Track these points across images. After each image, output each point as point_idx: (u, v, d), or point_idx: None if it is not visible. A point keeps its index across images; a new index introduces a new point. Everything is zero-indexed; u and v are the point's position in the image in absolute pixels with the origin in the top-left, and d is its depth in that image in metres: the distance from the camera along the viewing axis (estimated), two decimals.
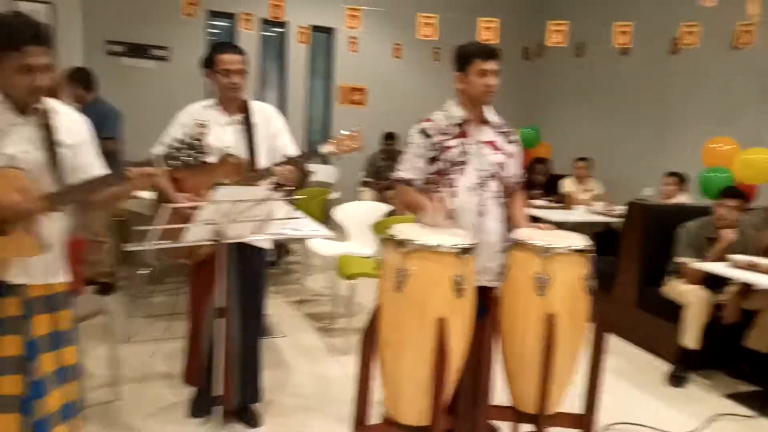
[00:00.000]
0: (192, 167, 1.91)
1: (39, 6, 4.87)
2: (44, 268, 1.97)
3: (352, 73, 7.45)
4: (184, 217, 2.04)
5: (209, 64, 2.56)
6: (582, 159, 5.93)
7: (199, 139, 1.92)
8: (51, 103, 1.97)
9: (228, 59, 2.52)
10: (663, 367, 3.71)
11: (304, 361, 3.51)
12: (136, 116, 5.18)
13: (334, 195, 5.65)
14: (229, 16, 6.93)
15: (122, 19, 6.36)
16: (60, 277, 2.04)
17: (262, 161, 2.60)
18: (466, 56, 2.42)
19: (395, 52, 7.02)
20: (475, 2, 7.33)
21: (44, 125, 1.92)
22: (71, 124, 2.01)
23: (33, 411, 1.98)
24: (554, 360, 2.21)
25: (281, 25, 7.09)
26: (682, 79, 6.03)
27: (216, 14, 6.91)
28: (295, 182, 2.47)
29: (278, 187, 2.35)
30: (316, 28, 7.15)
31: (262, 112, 2.68)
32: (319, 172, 6.87)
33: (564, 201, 5.62)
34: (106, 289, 4.30)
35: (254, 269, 2.68)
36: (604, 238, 5.54)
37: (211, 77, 2.58)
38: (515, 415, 2.40)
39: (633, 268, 4.15)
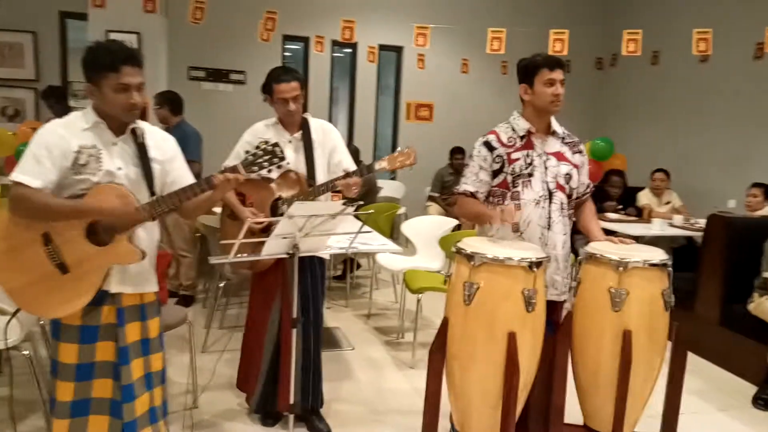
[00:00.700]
0: (267, 175, 2.03)
1: (129, 36, 5.22)
2: (136, 279, 2.12)
3: (419, 89, 7.51)
4: (253, 231, 2.16)
5: (268, 91, 2.71)
6: (659, 170, 5.71)
7: (276, 145, 2.04)
8: (142, 123, 2.14)
9: (284, 88, 2.65)
10: (749, 389, 3.49)
11: (372, 374, 3.55)
12: (214, 137, 5.43)
13: (401, 211, 5.70)
14: (302, 39, 7.18)
15: (203, 46, 6.72)
16: (150, 287, 2.18)
17: (321, 176, 2.70)
18: (533, 67, 2.40)
19: (462, 67, 7.04)
20: (545, 14, 7.28)
21: (138, 143, 2.09)
22: (161, 141, 2.18)
23: (122, 414, 2.12)
24: (631, 378, 2.14)
25: (351, 45, 7.27)
26: (766, 85, 5.71)
27: (289, 38, 7.17)
28: (357, 195, 2.54)
29: (347, 201, 2.43)
30: (385, 47, 7.29)
31: (321, 129, 2.79)
32: (387, 188, 6.97)
33: (641, 214, 5.42)
34: (186, 301, 4.54)
35: (315, 279, 2.77)
36: (684, 253, 5.30)
37: (270, 103, 2.73)
38: None
39: (715, 284, 3.95)
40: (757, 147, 5.78)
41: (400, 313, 4.35)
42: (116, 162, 2.05)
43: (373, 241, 3.74)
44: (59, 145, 1.96)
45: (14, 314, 2.20)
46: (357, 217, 2.80)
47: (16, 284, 1.97)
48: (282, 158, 2.08)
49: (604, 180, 5.77)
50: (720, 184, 6.02)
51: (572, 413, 2.37)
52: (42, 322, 2.87)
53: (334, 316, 4.55)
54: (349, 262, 5.39)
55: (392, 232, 4.78)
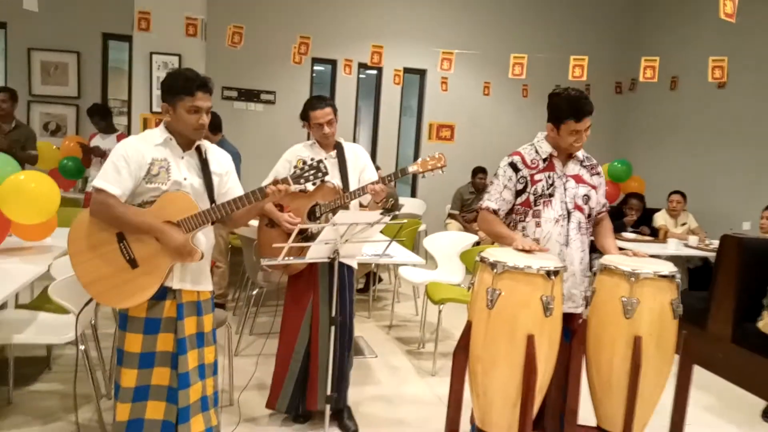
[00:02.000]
0: (310, 187, 2.28)
1: (170, 57, 5.56)
2: (194, 277, 2.38)
3: (441, 110, 7.76)
4: (287, 236, 2.42)
5: (305, 117, 3.02)
6: (676, 192, 5.86)
7: (321, 161, 2.29)
8: (204, 141, 2.42)
9: (319, 114, 2.94)
10: (760, 404, 3.61)
11: (394, 380, 3.73)
12: (244, 154, 5.73)
13: (421, 227, 5.91)
14: (329, 62, 7.49)
15: (237, 67, 7.06)
16: (206, 286, 2.44)
17: (353, 188, 2.97)
18: (560, 114, 2.55)
19: (484, 90, 7.29)
20: (566, 40, 7.50)
21: (201, 158, 2.37)
22: (220, 157, 2.48)
23: (178, 400, 2.35)
24: (641, 382, 2.31)
25: (377, 67, 7.55)
26: None
27: (318, 60, 7.48)
28: (386, 202, 2.79)
29: (384, 212, 2.66)
30: (409, 70, 7.57)
31: (352, 150, 3.10)
32: (408, 205, 7.19)
33: (657, 235, 5.57)
34: (219, 308, 4.77)
35: (344, 286, 2.99)
36: (700, 273, 5.43)
37: (308, 128, 3.04)
38: None
39: (727, 302, 4.07)
40: None
41: (422, 324, 4.53)
42: (183, 173, 2.32)
43: (397, 253, 3.95)
44: (136, 158, 2.25)
45: (84, 307, 2.43)
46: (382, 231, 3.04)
47: (93, 277, 2.23)
48: (326, 173, 2.35)
49: (623, 202, 5.92)
50: (735, 206, 6.14)
51: (586, 415, 2.53)
52: (93, 322, 3.11)
53: (358, 327, 4.73)
54: (371, 276, 5.60)
55: (413, 248, 4.97)
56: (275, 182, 2.30)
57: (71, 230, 2.25)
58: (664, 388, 2.39)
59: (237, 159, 4.78)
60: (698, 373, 4.10)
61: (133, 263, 2.24)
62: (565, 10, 7.98)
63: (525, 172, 2.63)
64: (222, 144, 4.75)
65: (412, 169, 2.84)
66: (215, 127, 4.84)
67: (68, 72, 6.75)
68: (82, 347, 2.81)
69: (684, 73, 6.90)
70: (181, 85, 2.23)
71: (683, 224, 5.78)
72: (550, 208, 2.60)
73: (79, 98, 6.80)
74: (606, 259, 2.49)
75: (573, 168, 2.67)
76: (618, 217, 5.74)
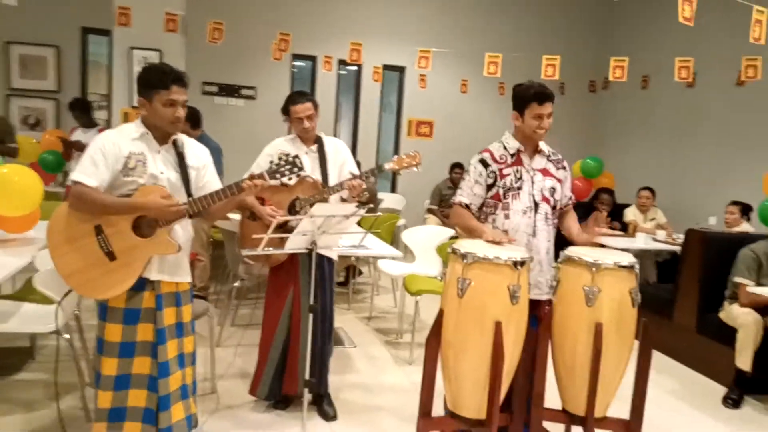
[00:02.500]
0: (288, 181, 2.38)
1: (151, 52, 5.59)
2: (173, 269, 2.44)
3: (420, 107, 7.88)
4: (266, 227, 2.52)
5: (286, 111, 3.10)
6: (645, 188, 6.05)
7: (297, 157, 2.38)
8: (181, 135, 2.47)
9: (300, 109, 3.03)
10: (721, 390, 3.80)
11: (373, 369, 3.85)
12: (225, 149, 5.79)
13: (400, 222, 6.02)
14: (310, 58, 7.56)
15: (217, 62, 7.08)
16: (185, 277, 2.51)
17: (333, 182, 3.07)
18: (524, 99, 2.70)
19: (462, 87, 7.42)
20: (541, 40, 7.66)
21: (178, 152, 2.43)
22: (196, 150, 2.53)
23: (158, 388, 2.42)
24: (602, 366, 2.45)
25: (357, 64, 7.64)
26: (747, 110, 6.08)
27: (298, 57, 7.55)
28: (362, 196, 2.91)
29: (359, 205, 2.77)
30: (388, 67, 7.68)
31: (332, 144, 3.19)
32: (388, 200, 7.30)
33: (626, 229, 5.76)
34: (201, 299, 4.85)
35: (325, 276, 3.10)
36: (668, 266, 5.62)
37: (289, 122, 3.13)
38: (566, 417, 2.64)
39: (692, 294, 4.27)
40: (735, 167, 6.13)
41: (399, 315, 4.66)
42: (159, 167, 2.38)
43: (374, 246, 4.06)
44: (113, 151, 2.30)
45: (65, 296, 2.49)
46: (359, 224, 3.13)
47: (72, 269, 2.28)
48: (301, 168, 2.43)
49: (594, 197, 6.10)
50: (702, 201, 6.36)
51: (552, 399, 2.67)
52: (77, 312, 3.18)
53: (337, 318, 4.82)
54: (351, 269, 5.71)
55: (392, 242, 5.09)
56: (251, 177, 2.37)
57: (50, 223, 2.30)
58: (624, 373, 2.54)
59: (218, 153, 4.85)
60: (664, 360, 4.31)
61: (110, 255, 2.29)
62: (540, 10, 8.15)
63: (494, 167, 2.76)
64: (202, 139, 4.80)
65: (388, 166, 2.96)
66: (195, 122, 4.89)
67: (47, 66, 6.73)
68: (66, 336, 2.88)
69: (655, 72, 7.10)
70: (156, 79, 2.28)
71: (652, 219, 5.98)
72: (518, 200, 2.73)
73: (59, 92, 6.79)
74: (569, 251, 2.63)
75: (540, 162, 2.81)
76: (589, 212, 5.91)
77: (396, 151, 8.11)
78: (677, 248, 5.19)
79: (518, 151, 2.78)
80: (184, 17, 5.74)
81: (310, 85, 7.68)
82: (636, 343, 2.57)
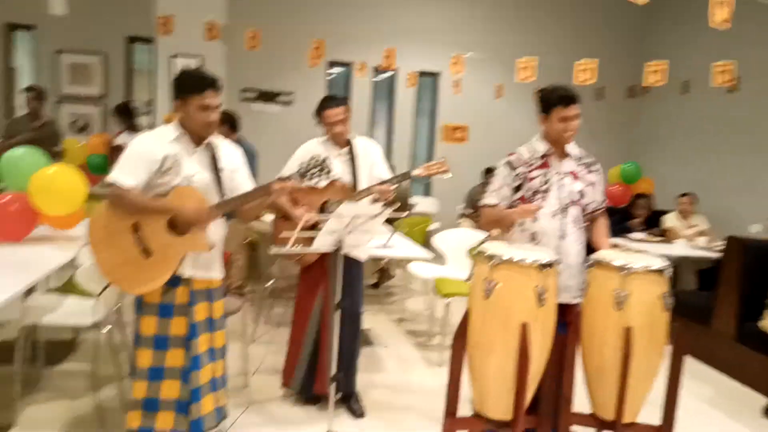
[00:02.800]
0: (317, 184, 2.43)
1: (192, 60, 5.78)
2: (206, 266, 2.53)
3: (455, 112, 7.89)
4: (304, 228, 2.58)
5: (319, 115, 3.16)
6: (686, 194, 5.91)
7: (325, 160, 2.43)
8: (215, 138, 2.56)
9: (332, 113, 3.09)
10: (760, 400, 3.68)
11: (402, 369, 3.88)
12: (261, 153, 5.93)
13: (434, 226, 6.04)
14: (345, 64, 7.66)
15: (257, 69, 7.27)
16: (217, 274, 2.59)
17: (363, 185, 3.12)
18: (549, 103, 2.70)
19: (497, 92, 7.39)
20: (579, 44, 7.56)
21: (212, 154, 2.52)
22: (229, 153, 2.61)
23: (190, 380, 2.51)
24: (632, 371, 2.42)
25: (391, 70, 7.71)
26: None
27: (334, 63, 7.66)
28: (391, 199, 2.95)
29: (386, 205, 2.80)
30: (423, 73, 7.72)
31: (364, 146, 3.23)
32: (422, 204, 7.33)
33: (665, 236, 5.64)
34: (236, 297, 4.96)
35: (352, 278, 3.14)
36: (710, 274, 5.47)
37: (321, 126, 3.18)
38: (594, 421, 2.61)
39: (731, 301, 4.15)
40: None
41: (430, 317, 4.67)
42: (194, 168, 2.46)
43: (405, 248, 4.09)
44: (149, 152, 2.40)
45: (103, 290, 2.61)
46: (389, 222, 3.15)
47: (111, 264, 2.39)
48: (329, 171, 2.47)
49: (631, 203, 6.00)
50: (745, 209, 6.18)
51: (581, 403, 2.65)
52: (119, 305, 3.31)
53: (368, 319, 4.88)
54: (383, 272, 5.75)
55: (425, 246, 5.11)
56: (280, 180, 2.43)
57: (90, 221, 2.42)
58: (655, 378, 2.50)
59: (253, 156, 4.98)
60: (701, 368, 4.20)
61: (146, 252, 2.39)
62: (578, 14, 8.07)
63: (521, 170, 2.76)
64: (239, 142, 4.94)
65: (416, 173, 3.00)
66: (232, 125, 5.03)
67: (95, 73, 7.01)
68: (105, 329, 3.00)
69: (696, 77, 6.93)
70: (191, 84, 2.38)
71: (694, 226, 5.83)
72: (546, 203, 2.72)
73: (105, 98, 7.06)
74: (599, 254, 2.61)
75: (569, 165, 2.79)
76: (626, 217, 5.83)
77: (430, 156, 8.14)
78: (716, 255, 5.07)
79: (546, 153, 2.77)
80: (225, 25, 5.92)
81: (345, 91, 7.79)
82: (668, 348, 2.53)
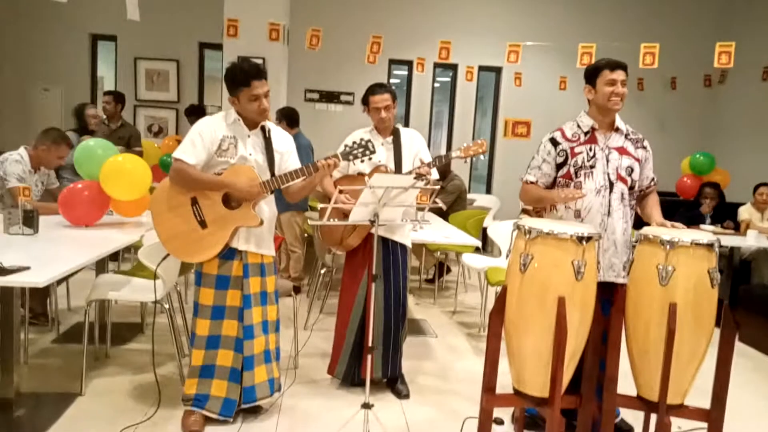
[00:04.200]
0: (360, 164, 2.51)
1: (256, 60, 6.01)
2: (258, 241, 2.70)
3: (517, 106, 7.77)
4: (345, 213, 2.67)
5: (365, 102, 3.23)
6: (763, 184, 5.56)
7: (369, 141, 2.52)
8: (269, 123, 2.73)
9: (377, 99, 3.15)
10: None
11: (451, 358, 3.88)
12: (324, 152, 6.09)
13: (489, 219, 5.98)
14: (406, 63, 7.73)
15: (319, 70, 7.48)
16: (269, 251, 2.76)
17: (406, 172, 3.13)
18: (595, 69, 2.69)
19: (561, 84, 7.24)
20: (651, 31, 7.28)
21: (265, 137, 2.69)
22: (282, 138, 2.80)
23: (243, 349, 2.66)
24: (677, 349, 2.32)
25: (452, 67, 7.72)
26: None
27: (395, 62, 7.75)
28: (431, 179, 2.98)
29: (417, 177, 2.82)
30: (484, 68, 7.68)
31: (409, 135, 3.28)
32: (481, 200, 7.27)
33: (740, 228, 5.33)
34: (294, 290, 5.12)
35: (397, 263, 3.18)
36: None
37: (367, 113, 3.24)
38: (640, 403, 2.51)
39: None
40: None
41: (482, 308, 4.63)
42: (249, 149, 2.66)
43: (455, 235, 4.09)
44: (209, 134, 2.60)
45: (162, 260, 2.80)
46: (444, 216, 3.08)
47: (169, 234, 2.60)
48: (373, 151, 2.57)
49: (699, 192, 5.71)
50: None
51: (628, 386, 2.56)
52: (179, 288, 3.51)
53: (422, 311, 4.93)
54: (440, 267, 5.75)
55: (480, 237, 5.08)
56: (327, 157, 2.55)
57: (154, 194, 2.64)
58: (703, 357, 2.38)
59: (309, 149, 5.14)
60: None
61: (203, 224, 2.57)
62: (651, 1, 7.78)
63: (565, 145, 2.72)
64: (297, 137, 5.11)
65: (455, 154, 3.02)
66: (292, 121, 5.22)
67: (169, 79, 7.45)
68: (167, 306, 3.20)
69: None
70: (238, 78, 2.56)
71: None
72: (591, 179, 2.67)
73: (179, 103, 7.48)
74: (645, 229, 2.52)
75: (617, 140, 2.73)
76: (694, 208, 5.55)
77: (492, 152, 8.07)
78: None
79: (592, 128, 2.72)
80: (287, 27, 6.14)
81: (407, 92, 7.86)
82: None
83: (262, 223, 2.62)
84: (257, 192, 2.57)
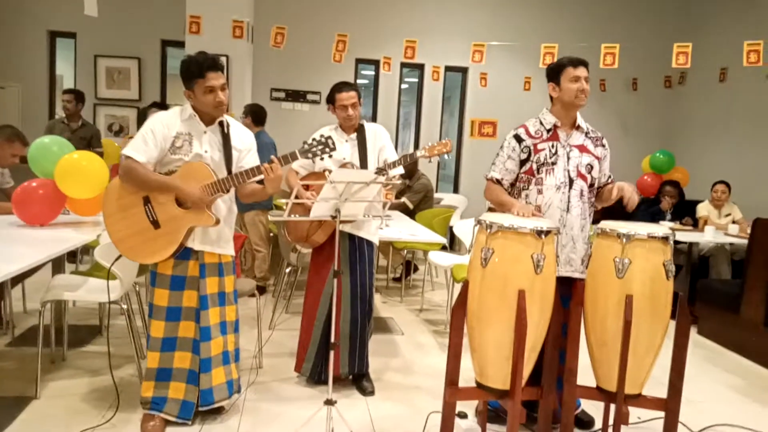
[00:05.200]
0: (320, 161, 2.47)
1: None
2: (216, 241, 2.63)
3: (483, 107, 7.83)
4: (308, 208, 2.64)
5: (331, 100, 3.20)
6: (720, 182, 5.72)
7: (329, 138, 2.49)
8: (228, 118, 2.66)
9: (344, 97, 3.14)
10: None
11: (417, 354, 3.88)
12: (287, 150, 6.05)
13: (455, 217, 6.01)
14: (373, 62, 7.73)
15: (285, 69, 7.41)
16: (227, 250, 2.68)
17: (371, 168, 3.12)
18: (558, 66, 2.73)
19: (525, 84, 7.34)
20: (614, 33, 7.42)
21: (223, 133, 2.60)
22: (242, 134, 2.71)
23: (200, 351, 2.60)
24: (634, 340, 2.36)
25: (419, 67, 7.75)
26: None
27: (362, 62, 7.73)
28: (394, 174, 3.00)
29: (378, 171, 2.82)
30: (450, 68, 7.72)
31: (373, 130, 3.27)
32: (449, 200, 7.31)
33: (698, 225, 5.47)
34: (259, 291, 5.05)
35: (365, 257, 3.17)
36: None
37: (333, 111, 3.22)
38: (600, 394, 2.55)
39: (759, 286, 3.99)
40: None
41: (448, 305, 4.65)
42: (204, 146, 2.57)
43: (420, 233, 4.10)
44: (162, 131, 2.51)
45: (115, 260, 2.72)
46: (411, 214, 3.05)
47: (122, 235, 2.51)
48: (333, 148, 2.53)
49: (659, 190, 5.84)
50: None
51: (587, 378, 2.60)
52: (138, 289, 3.43)
53: (389, 309, 4.92)
54: (408, 266, 5.76)
55: (446, 235, 5.11)
56: (270, 161, 2.48)
57: (105, 194, 2.55)
58: (659, 347, 2.43)
59: (271, 149, 5.08)
60: (730, 357, 4.06)
61: (156, 224, 2.49)
62: (615, 2, 7.93)
63: (528, 141, 2.75)
64: (260, 135, 5.05)
65: (419, 154, 3.03)
66: (258, 119, 5.16)
67: (130, 77, 7.29)
68: (124, 306, 3.13)
69: (733, 64, 6.71)
70: (192, 70, 2.46)
71: (727, 215, 5.64)
72: (552, 176, 2.71)
73: (140, 101, 7.33)
74: (603, 224, 2.57)
75: (577, 138, 2.77)
76: (655, 205, 5.68)
77: (459, 151, 8.11)
78: (743, 242, 4.88)
79: (555, 126, 2.76)
80: (251, 24, 6.08)
81: (374, 92, 7.85)
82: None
83: (218, 222, 2.54)
84: (202, 199, 2.46)
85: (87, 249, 4.46)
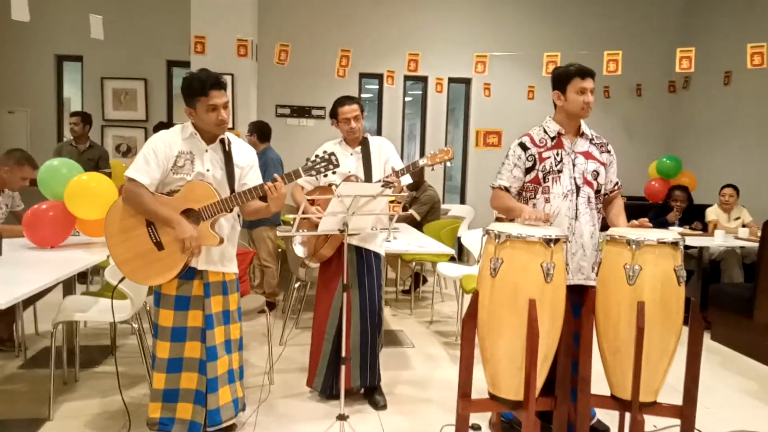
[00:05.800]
0: (324, 177, 2.48)
1: (224, 77, 5.99)
2: (219, 260, 2.61)
3: (488, 117, 7.85)
4: (316, 224, 2.64)
5: (334, 114, 3.21)
6: (728, 186, 5.68)
7: (332, 154, 2.49)
8: (229, 135, 2.66)
9: (347, 110, 3.16)
10: None
11: (428, 367, 3.86)
12: (295, 166, 6.08)
13: (464, 229, 6.01)
14: (377, 76, 7.77)
15: (290, 85, 7.46)
16: (231, 268, 2.67)
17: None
18: (566, 76, 2.71)
19: (529, 94, 7.35)
20: (617, 39, 7.43)
21: (225, 151, 2.61)
22: (243, 151, 2.70)
23: (207, 371, 2.58)
24: (647, 347, 2.34)
25: (422, 79, 7.78)
26: None
27: (366, 76, 7.78)
28: (400, 196, 2.99)
29: (384, 184, 2.81)
30: (454, 80, 7.75)
31: (378, 144, 3.28)
32: (456, 210, 7.31)
33: (708, 228, 5.44)
34: (269, 307, 5.05)
35: (372, 271, 3.17)
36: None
37: (336, 125, 3.24)
38: (614, 403, 2.53)
39: None
40: None
41: (458, 316, 4.63)
42: (206, 165, 2.56)
43: (429, 245, 4.10)
44: (164, 150, 2.51)
45: (119, 282, 2.72)
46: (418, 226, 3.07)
47: (125, 257, 2.50)
48: (336, 165, 2.53)
49: (668, 195, 5.81)
50: None
51: (601, 387, 2.57)
52: (149, 308, 3.44)
53: (399, 322, 4.91)
54: (417, 278, 5.75)
55: (454, 245, 5.10)
56: (274, 180, 2.49)
57: (107, 215, 2.53)
58: (673, 354, 2.41)
59: (277, 165, 5.10)
60: (743, 361, 4.01)
61: (159, 246, 2.49)
62: (616, 8, 7.95)
63: (533, 150, 2.75)
64: (266, 152, 5.09)
65: (422, 162, 3.04)
66: (263, 136, 5.18)
67: (137, 98, 7.37)
68: (135, 325, 3.14)
69: (738, 67, 6.70)
70: (195, 88, 2.45)
71: (737, 219, 5.60)
72: (559, 183, 2.71)
73: (147, 121, 7.40)
74: (611, 231, 2.56)
75: (582, 145, 2.77)
76: (664, 211, 5.65)
77: (464, 162, 8.12)
78: (754, 245, 4.84)
79: (559, 134, 2.76)
80: (255, 43, 6.13)
81: (378, 106, 7.89)
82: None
83: (222, 242, 2.53)
84: (193, 240, 2.43)
85: (97, 269, 4.49)
